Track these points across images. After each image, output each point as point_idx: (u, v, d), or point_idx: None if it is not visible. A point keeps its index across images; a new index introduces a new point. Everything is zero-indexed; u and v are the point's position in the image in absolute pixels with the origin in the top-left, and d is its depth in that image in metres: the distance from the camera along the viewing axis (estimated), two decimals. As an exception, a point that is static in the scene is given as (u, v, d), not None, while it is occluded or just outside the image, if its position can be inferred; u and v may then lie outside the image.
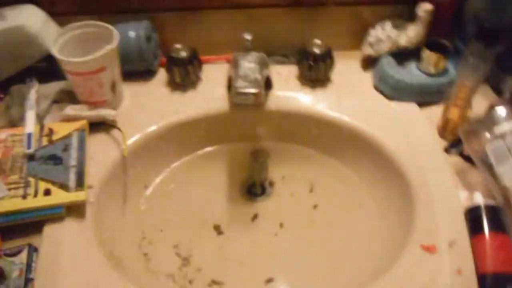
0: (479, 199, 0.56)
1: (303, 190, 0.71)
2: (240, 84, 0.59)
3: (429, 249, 0.53)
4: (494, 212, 0.55)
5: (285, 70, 0.74)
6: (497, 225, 0.54)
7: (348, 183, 0.70)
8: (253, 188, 0.72)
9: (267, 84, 0.70)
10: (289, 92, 0.71)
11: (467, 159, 0.63)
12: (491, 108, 0.59)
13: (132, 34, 0.68)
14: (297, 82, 0.73)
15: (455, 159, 0.64)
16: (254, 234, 0.67)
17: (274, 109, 0.70)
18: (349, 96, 0.71)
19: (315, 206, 0.69)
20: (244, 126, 0.72)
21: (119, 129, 0.64)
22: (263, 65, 0.65)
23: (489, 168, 0.57)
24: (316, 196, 0.70)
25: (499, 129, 0.56)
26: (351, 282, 0.58)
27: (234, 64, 0.64)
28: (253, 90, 0.58)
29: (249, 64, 0.62)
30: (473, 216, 0.55)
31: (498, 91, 0.71)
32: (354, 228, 0.65)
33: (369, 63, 0.75)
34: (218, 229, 0.67)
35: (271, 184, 0.73)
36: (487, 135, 0.57)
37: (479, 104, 0.64)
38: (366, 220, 0.65)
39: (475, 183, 0.60)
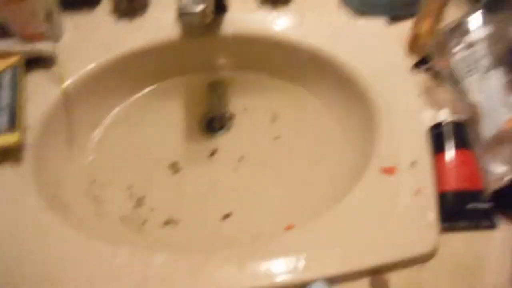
0: (443, 116, 0.53)
1: (265, 121, 0.68)
2: (183, 3, 0.54)
3: (389, 170, 0.51)
4: (458, 129, 0.52)
5: (243, -11, 0.69)
6: (461, 142, 0.51)
7: (311, 110, 0.67)
8: (212, 123, 0.69)
9: (221, 5, 0.65)
10: (247, 14, 0.67)
11: (436, 76, 0.59)
12: (465, 16, 0.55)
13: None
14: (256, 2, 0.68)
15: (423, 76, 0.60)
16: (212, 170, 0.65)
17: (230, 34, 0.66)
18: (312, 15, 0.66)
19: (276, 137, 0.66)
20: (199, 55, 0.68)
21: (56, 64, 0.60)
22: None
23: (456, 82, 0.53)
24: (279, 127, 0.67)
25: (470, 37, 0.52)
26: (310, 210, 0.56)
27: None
28: (197, 8, 0.54)
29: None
30: (435, 134, 0.53)
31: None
32: (316, 156, 0.63)
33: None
34: (174, 168, 0.65)
35: (232, 117, 0.70)
36: (457, 45, 0.53)
37: (452, 16, 0.59)
38: (329, 147, 0.63)
39: (442, 101, 0.57)
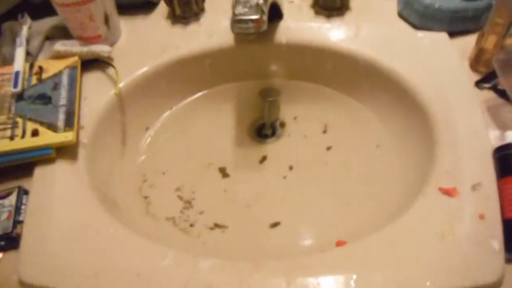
0: (510, 137, 0.50)
1: (316, 131, 0.66)
2: (239, 10, 0.53)
3: (449, 191, 0.48)
4: (526, 152, 0.49)
5: (299, -2, 0.68)
6: (530, 166, 0.48)
7: (365, 123, 0.64)
8: (263, 130, 0.68)
9: (277, 13, 0.64)
10: (301, 23, 0.65)
11: (502, 94, 0.56)
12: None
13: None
14: (311, 11, 0.66)
15: (488, 94, 0.57)
16: (262, 176, 0.63)
17: (284, 42, 0.64)
18: (368, 26, 0.64)
19: (328, 148, 0.65)
20: (252, 62, 0.67)
21: (113, 66, 0.60)
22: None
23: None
24: (330, 137, 0.65)
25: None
26: (362, 226, 0.54)
27: (236, -10, 0.58)
28: (253, 17, 0.53)
29: (251, -12, 0.56)
30: (501, 156, 0.49)
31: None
32: (370, 170, 0.60)
33: (394, -14, 0.67)
34: (223, 172, 0.64)
35: (282, 125, 0.68)
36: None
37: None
38: (383, 161, 0.60)
39: (509, 120, 0.54)
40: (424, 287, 0.43)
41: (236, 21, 0.53)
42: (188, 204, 0.61)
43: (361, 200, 0.58)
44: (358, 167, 0.61)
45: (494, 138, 0.52)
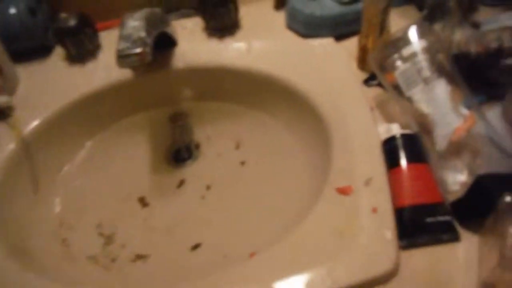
0: (395, 130, 0.50)
1: (229, 148, 0.65)
2: (121, 46, 0.51)
3: (344, 190, 0.48)
4: (410, 142, 0.49)
5: (191, 23, 0.67)
6: (414, 155, 0.48)
7: (274, 134, 0.64)
8: (179, 154, 0.66)
9: (169, 41, 0.63)
10: (196, 46, 0.64)
11: (393, 88, 0.56)
12: (404, 29, 0.52)
13: (12, 10, 0.60)
14: (204, 34, 0.65)
15: (376, 90, 0.57)
16: (180, 200, 0.61)
17: (182, 67, 0.63)
18: (260, 41, 0.63)
19: (242, 163, 0.63)
20: (156, 90, 0.66)
21: (10, 115, 0.58)
22: (155, 21, 0.58)
23: (403, 95, 0.50)
24: (243, 152, 0.64)
25: (407, 50, 0.49)
26: (273, 235, 0.52)
27: (121, 25, 0.57)
28: (136, 50, 0.51)
29: (134, 22, 0.55)
30: (388, 148, 0.50)
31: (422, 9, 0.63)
32: (280, 179, 0.60)
33: (281, 1, 0.67)
34: (142, 201, 0.62)
35: (197, 146, 0.67)
36: (399, 58, 0.50)
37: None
38: (292, 169, 0.60)
39: (394, 114, 0.54)
40: (327, 286, 0.42)
41: (120, 57, 0.51)
42: (109, 239, 0.58)
43: (273, 209, 0.57)
44: (271, 177, 0.60)
45: (384, 131, 0.52)
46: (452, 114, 0.47)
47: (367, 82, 0.58)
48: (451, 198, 0.45)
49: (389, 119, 0.54)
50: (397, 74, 0.49)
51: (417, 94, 0.48)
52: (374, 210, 0.46)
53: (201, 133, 0.67)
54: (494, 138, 0.46)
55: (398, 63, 0.49)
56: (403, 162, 0.47)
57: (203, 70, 0.63)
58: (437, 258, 0.44)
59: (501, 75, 0.52)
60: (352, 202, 0.47)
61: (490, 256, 0.40)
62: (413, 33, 0.50)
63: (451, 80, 0.48)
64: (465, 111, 0.47)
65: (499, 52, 0.50)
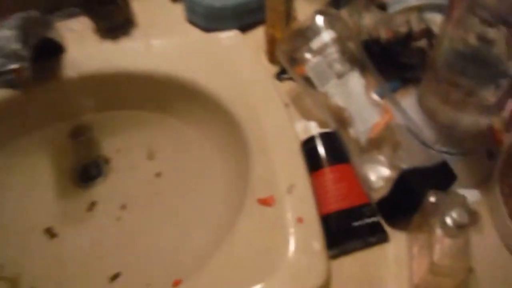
0: (313, 129, 0.47)
1: (141, 159, 0.59)
2: (-6, 63, 0.43)
3: (267, 201, 0.44)
4: (330, 141, 0.46)
5: (78, 24, 0.58)
6: (335, 155, 0.45)
7: (188, 140, 0.58)
8: (86, 172, 0.59)
9: (55, 47, 0.54)
10: (87, 51, 0.57)
11: (304, 81, 0.53)
12: (312, 18, 0.48)
13: None
14: (95, 36, 0.58)
15: (290, 84, 0.54)
16: (93, 225, 0.55)
17: (74, 76, 0.55)
18: (159, 39, 0.57)
19: (158, 174, 0.58)
20: (48, 105, 0.57)
21: None
22: (33, 26, 0.49)
23: (317, 89, 0.47)
24: (157, 163, 0.59)
25: (316, 42, 0.46)
26: (198, 256, 0.48)
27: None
28: (10, 67, 0.43)
29: (5, 32, 0.46)
30: (308, 150, 0.46)
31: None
32: (201, 190, 0.55)
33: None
34: (50, 232, 0.54)
35: (107, 161, 0.60)
36: (306, 51, 0.47)
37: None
38: (211, 179, 0.55)
39: (312, 109, 0.51)
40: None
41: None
42: (15, 283, 0.51)
43: (196, 226, 0.52)
44: (190, 189, 0.56)
45: (302, 130, 0.49)
46: (369, 107, 0.45)
47: (279, 76, 0.54)
48: (376, 195, 0.43)
49: (306, 115, 0.51)
50: (308, 69, 0.46)
51: (331, 89, 0.45)
52: (300, 220, 0.43)
53: (109, 147, 0.60)
54: (412, 128, 0.44)
55: (308, 56, 0.46)
56: (325, 164, 0.45)
57: (99, 77, 0.56)
58: (367, 262, 0.42)
59: (412, 57, 0.50)
60: (275, 213, 0.44)
61: (420, 259, 0.39)
62: (320, 22, 0.46)
63: (363, 68, 0.45)
64: (381, 102, 0.45)
65: (409, 36, 0.47)
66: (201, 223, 0.52)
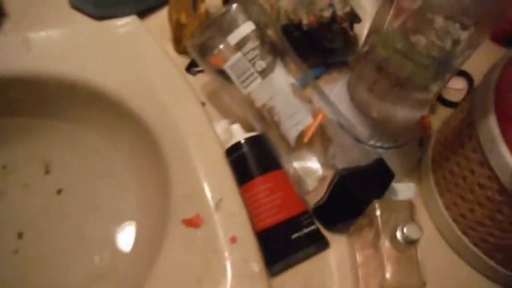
0: (238, 134, 0.41)
1: (37, 175, 0.49)
2: None
3: (193, 222, 0.39)
4: (258, 146, 0.41)
5: None
6: (266, 163, 0.40)
7: (92, 149, 0.50)
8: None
9: None
10: None
11: (219, 73, 0.46)
12: (226, 7, 0.41)
13: None
14: None
15: (203, 78, 0.47)
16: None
17: None
18: (41, 32, 0.46)
19: (59, 191, 0.49)
20: None
21: None
22: None
23: (238, 87, 0.41)
24: (56, 177, 0.49)
25: (234, 37, 0.39)
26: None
27: None
28: None
29: None
30: (235, 159, 0.41)
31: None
32: (113, 207, 0.47)
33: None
34: None
35: (-10, 182, 0.49)
36: (221, 43, 0.40)
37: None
38: (122, 193, 0.47)
39: (233, 106, 0.45)
40: None
41: None
42: None
43: (110, 252, 0.45)
44: (100, 207, 0.48)
45: (223, 132, 0.43)
46: (297, 103, 0.40)
47: (189, 69, 0.47)
48: (311, 198, 0.40)
49: (225, 114, 0.45)
50: (226, 68, 0.39)
51: (256, 90, 0.39)
52: (233, 240, 0.38)
53: (-7, 163, 0.50)
54: (343, 123, 0.41)
55: (223, 47, 0.39)
56: (255, 174, 0.40)
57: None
58: (310, 272, 0.39)
59: (334, 40, 0.46)
60: (205, 235, 0.38)
61: (368, 273, 0.36)
62: (236, 12, 0.40)
63: (284, 56, 0.40)
64: (310, 97, 0.41)
65: (332, 21, 0.43)
66: (115, 251, 0.44)
